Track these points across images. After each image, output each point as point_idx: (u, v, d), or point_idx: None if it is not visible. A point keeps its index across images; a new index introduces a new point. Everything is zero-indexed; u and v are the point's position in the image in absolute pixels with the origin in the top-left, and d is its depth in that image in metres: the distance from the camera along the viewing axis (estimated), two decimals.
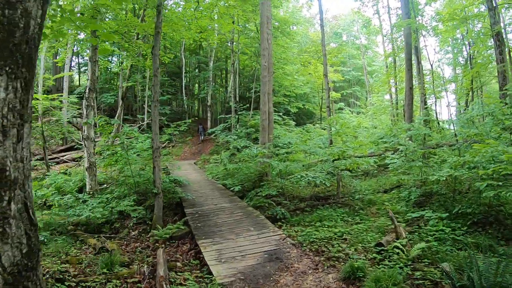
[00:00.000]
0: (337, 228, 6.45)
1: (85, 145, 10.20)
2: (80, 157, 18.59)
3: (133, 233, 7.43)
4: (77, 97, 18.89)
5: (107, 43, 19.24)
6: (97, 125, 10.69)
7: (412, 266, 4.53)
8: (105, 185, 10.71)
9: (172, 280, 4.74)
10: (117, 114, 20.93)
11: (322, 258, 5.04)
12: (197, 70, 32.83)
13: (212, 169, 14.98)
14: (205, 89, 28.15)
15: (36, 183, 9.18)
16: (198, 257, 5.69)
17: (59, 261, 5.39)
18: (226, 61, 30.91)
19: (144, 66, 19.99)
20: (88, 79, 10.65)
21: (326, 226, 6.70)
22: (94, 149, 10.34)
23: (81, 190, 9.97)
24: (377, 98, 29.56)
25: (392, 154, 11.29)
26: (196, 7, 11.09)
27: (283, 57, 23.80)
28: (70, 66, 25.18)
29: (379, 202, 8.37)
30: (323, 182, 8.22)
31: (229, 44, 24.44)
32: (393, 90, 24.17)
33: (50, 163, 16.68)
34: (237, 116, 21.19)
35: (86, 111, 10.47)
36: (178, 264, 5.52)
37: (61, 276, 4.73)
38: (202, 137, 25.78)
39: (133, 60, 14.61)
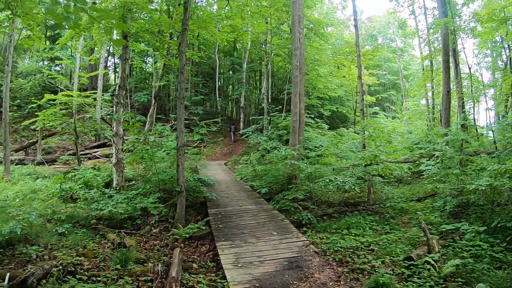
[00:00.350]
0: (364, 238, 5.91)
1: (113, 141, 10.32)
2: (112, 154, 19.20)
3: (154, 230, 7.28)
4: (111, 95, 19.45)
5: (142, 44, 19.82)
6: (127, 122, 10.77)
7: (444, 286, 3.95)
8: (133, 181, 10.76)
9: (185, 282, 4.46)
10: (149, 113, 21.38)
11: (345, 270, 4.55)
12: (231, 72, 32.96)
13: (241, 170, 14.71)
14: (238, 89, 28.11)
15: (61, 176, 9.34)
16: (216, 259, 5.38)
17: (74, 254, 5.31)
18: (260, 63, 30.75)
19: (177, 65, 20.34)
20: (118, 77, 10.78)
21: (353, 234, 6.19)
22: (122, 145, 10.44)
23: (108, 185, 10.06)
24: (413, 103, 28.13)
25: (427, 160, 10.49)
26: (225, 5, 10.90)
27: (316, 58, 23.21)
28: (106, 66, 26.16)
29: (412, 211, 7.73)
30: (353, 187, 7.64)
31: (262, 46, 24.23)
32: (429, 94, 23.01)
33: (82, 159, 17.27)
34: (269, 118, 20.85)
35: (116, 108, 10.60)
36: (194, 265, 5.24)
37: (73, 269, 4.61)
38: (234, 137, 25.71)
39: (163, 58, 14.66)
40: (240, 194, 9.98)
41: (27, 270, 4.49)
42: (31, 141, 19.37)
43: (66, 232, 6.36)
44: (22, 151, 18.85)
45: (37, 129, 16.25)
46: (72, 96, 14.79)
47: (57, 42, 15.41)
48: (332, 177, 8.10)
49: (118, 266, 4.86)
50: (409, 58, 43.00)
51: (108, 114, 20.78)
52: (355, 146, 14.47)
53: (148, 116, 21.37)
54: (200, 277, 4.65)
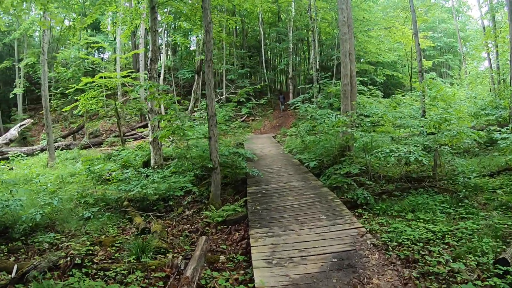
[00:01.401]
0: (436, 225, 4.47)
1: (148, 118, 9.75)
2: None
3: (187, 212, 6.54)
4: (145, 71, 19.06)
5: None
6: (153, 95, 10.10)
7: None
8: (172, 159, 10.21)
9: (204, 282, 3.55)
10: (193, 89, 20.93)
11: (414, 273, 3.28)
12: (278, 45, 31.08)
13: (290, 143, 13.56)
14: (286, 59, 26.44)
15: (90, 157, 9.02)
16: (248, 250, 4.38)
17: (88, 242, 4.70)
18: (306, 31, 28.56)
19: (220, 37, 19.30)
20: (150, 50, 10.04)
21: (421, 220, 4.77)
22: (158, 122, 9.86)
23: (146, 164, 9.61)
24: (474, 66, 24.29)
25: (498, 128, 8.64)
26: None
27: (366, 18, 20.58)
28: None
29: (487, 189, 6.12)
30: (420, 159, 6.07)
31: (307, 13, 22.12)
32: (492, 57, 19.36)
33: (128, 139, 17.39)
34: (318, 86, 19.09)
35: None
36: (222, 258, 4.33)
37: (80, 261, 3.95)
38: (283, 106, 24.88)
39: (200, 30, 13.67)
40: (286, 169, 8.86)
41: (30, 263, 3.93)
42: (76, 125, 20.01)
43: (91, 216, 5.86)
44: (70, 136, 19.57)
45: (80, 114, 16.52)
46: (110, 77, 14.63)
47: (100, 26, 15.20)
48: (394, 147, 6.58)
49: (131, 259, 4.12)
50: (465, 19, 37.38)
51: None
52: (414, 112, 12.55)
53: (192, 91, 20.95)
54: (223, 276, 3.70)
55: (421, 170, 7.58)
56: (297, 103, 17.31)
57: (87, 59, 19.87)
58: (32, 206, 5.82)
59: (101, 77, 14.34)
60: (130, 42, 27.59)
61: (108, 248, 4.58)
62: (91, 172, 7.60)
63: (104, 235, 5.17)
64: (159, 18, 10.92)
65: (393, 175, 7.40)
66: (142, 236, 5.00)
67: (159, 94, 8.10)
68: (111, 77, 14.85)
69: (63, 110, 17.37)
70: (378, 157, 6.73)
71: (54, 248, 4.77)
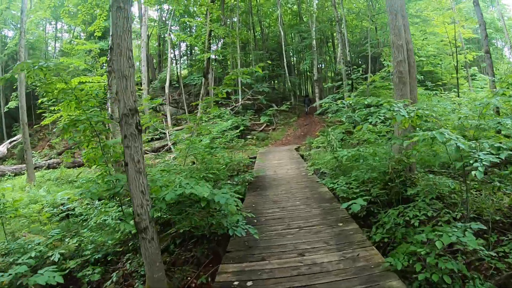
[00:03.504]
0: None
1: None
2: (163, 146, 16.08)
3: None
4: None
5: None
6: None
7: None
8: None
9: None
10: (200, 95, 17.74)
11: None
12: (300, 43, 27.54)
13: (317, 158, 9.74)
14: (309, 57, 22.81)
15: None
16: None
17: None
18: (330, 24, 24.92)
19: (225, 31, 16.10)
20: (110, 35, 6.84)
21: None
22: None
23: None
24: None
25: None
26: None
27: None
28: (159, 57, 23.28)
29: None
30: None
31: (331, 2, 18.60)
32: None
33: None
34: (350, 82, 15.19)
35: (109, 79, 6.84)
36: None
37: None
38: (307, 109, 21.79)
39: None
40: (308, 212, 5.00)
41: None
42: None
43: None
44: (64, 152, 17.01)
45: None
46: (92, 82, 11.83)
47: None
48: None
49: None
50: (500, 7, 32.26)
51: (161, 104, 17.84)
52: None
53: (200, 98, 17.68)
54: None
55: None
56: (325, 104, 13.47)
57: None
58: None
59: (81, 82, 11.68)
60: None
61: None
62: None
63: None
64: None
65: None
66: None
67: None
68: (93, 82, 12.08)
69: (42, 123, 14.76)
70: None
71: None
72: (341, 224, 4.22)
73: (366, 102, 4.53)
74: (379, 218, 4.26)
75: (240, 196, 5.80)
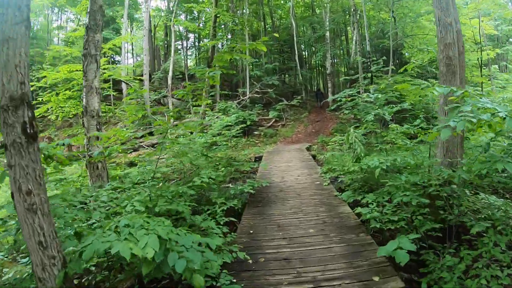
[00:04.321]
0: None
1: (83, 124, 5.32)
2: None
3: None
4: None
5: None
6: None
7: None
8: None
9: None
10: (205, 86, 16.39)
11: None
12: (313, 35, 25.94)
13: (332, 162, 8.21)
14: (323, 49, 21.27)
15: None
16: None
17: None
18: (345, 13, 23.29)
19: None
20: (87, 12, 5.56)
21: None
22: (98, 129, 5.40)
23: None
24: None
25: None
26: None
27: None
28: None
29: None
30: None
31: None
32: None
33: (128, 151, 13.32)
34: (370, 75, 13.63)
35: (85, 64, 5.69)
36: None
37: None
38: (320, 103, 20.88)
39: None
40: (325, 248, 3.58)
41: None
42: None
43: None
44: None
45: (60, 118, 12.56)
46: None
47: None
48: None
49: None
50: None
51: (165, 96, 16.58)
52: None
53: (203, 91, 16.36)
54: None
55: None
56: (339, 99, 11.92)
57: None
58: None
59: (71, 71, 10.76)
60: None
61: None
62: None
63: None
64: None
65: None
66: None
67: None
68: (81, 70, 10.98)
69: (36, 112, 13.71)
70: None
71: None
72: (377, 279, 2.82)
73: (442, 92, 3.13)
74: (430, 267, 2.89)
75: (235, 218, 4.49)
